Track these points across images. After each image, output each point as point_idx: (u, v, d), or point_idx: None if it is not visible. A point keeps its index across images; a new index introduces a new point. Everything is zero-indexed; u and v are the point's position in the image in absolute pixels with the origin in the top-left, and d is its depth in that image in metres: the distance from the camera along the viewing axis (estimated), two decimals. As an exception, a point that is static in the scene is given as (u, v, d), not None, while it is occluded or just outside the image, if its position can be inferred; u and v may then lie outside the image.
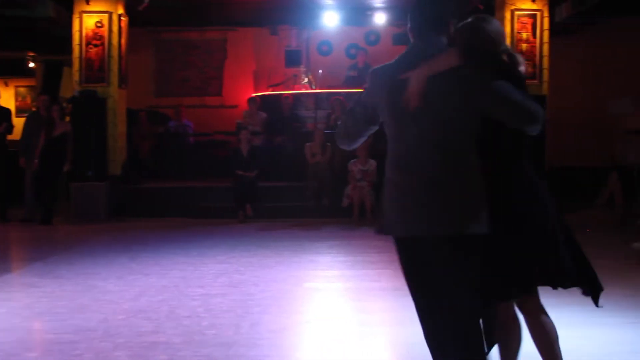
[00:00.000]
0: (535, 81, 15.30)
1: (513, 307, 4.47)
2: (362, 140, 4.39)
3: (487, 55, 4.18)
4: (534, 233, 4.26)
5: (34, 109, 16.46)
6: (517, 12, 15.34)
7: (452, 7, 4.09)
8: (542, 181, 4.50)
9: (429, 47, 4.02)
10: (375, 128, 4.31)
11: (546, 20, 15.41)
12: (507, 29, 15.30)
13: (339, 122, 4.28)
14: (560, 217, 4.49)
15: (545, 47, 15.36)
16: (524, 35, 15.36)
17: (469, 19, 4.37)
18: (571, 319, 7.00)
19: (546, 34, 15.38)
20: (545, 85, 15.38)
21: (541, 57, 15.33)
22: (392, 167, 4.12)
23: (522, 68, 4.40)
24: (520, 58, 4.42)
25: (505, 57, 4.38)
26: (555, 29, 16.10)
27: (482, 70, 3.93)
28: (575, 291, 8.00)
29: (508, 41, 14.96)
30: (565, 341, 6.27)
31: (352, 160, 14.74)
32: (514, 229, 4.17)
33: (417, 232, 3.95)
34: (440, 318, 4.13)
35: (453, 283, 3.97)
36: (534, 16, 15.38)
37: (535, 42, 15.37)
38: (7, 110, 15.79)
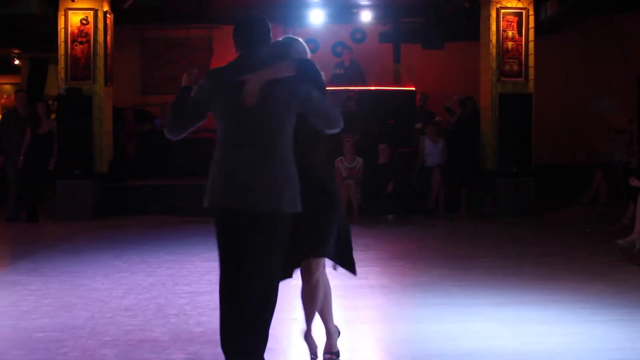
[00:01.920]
0: (520, 79, 15.34)
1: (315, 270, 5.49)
2: (189, 130, 5.00)
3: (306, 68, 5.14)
4: (334, 210, 5.41)
5: (12, 106, 16.38)
6: (502, 10, 15.35)
7: (269, 28, 5.03)
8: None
9: (253, 57, 4.90)
10: (203, 120, 4.99)
11: (531, 19, 15.43)
12: (493, 27, 15.33)
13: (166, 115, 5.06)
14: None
15: (531, 46, 15.39)
16: (510, 33, 15.38)
17: (281, 39, 5.44)
18: (557, 316, 7.05)
19: (531, 32, 15.40)
20: (530, 84, 15.40)
21: (527, 55, 15.36)
22: (220, 150, 4.89)
23: (323, 76, 5.44)
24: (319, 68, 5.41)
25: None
26: (540, 27, 16.14)
27: (303, 81, 4.90)
28: (561, 289, 8.06)
29: (494, 39, 15.07)
30: (551, 338, 6.33)
31: (339, 158, 14.75)
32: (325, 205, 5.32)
33: (235, 206, 4.78)
34: (241, 283, 4.87)
35: (258, 253, 4.84)
36: (519, 14, 15.39)
37: (520, 40, 15.38)
38: (-8, 108, 15.74)
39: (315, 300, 5.63)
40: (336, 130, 5.16)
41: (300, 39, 5.53)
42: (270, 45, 5.13)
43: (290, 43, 5.43)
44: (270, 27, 5.07)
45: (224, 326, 4.90)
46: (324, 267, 5.66)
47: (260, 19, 5.05)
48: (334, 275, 9.34)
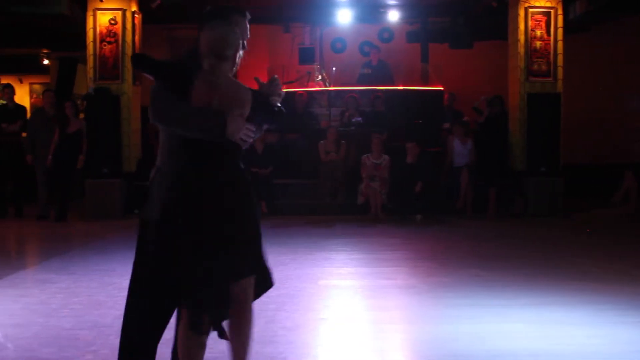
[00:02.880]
0: (549, 79, 15.28)
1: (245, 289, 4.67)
2: None
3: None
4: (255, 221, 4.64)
5: (40, 106, 16.50)
6: (531, 10, 15.30)
7: None
8: None
9: None
10: None
11: (560, 18, 15.36)
12: (521, 27, 15.29)
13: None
14: None
15: (560, 45, 15.32)
16: (538, 32, 15.32)
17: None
18: (584, 317, 7.01)
19: (560, 32, 15.33)
20: (559, 83, 15.33)
21: (555, 54, 15.29)
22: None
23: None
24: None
25: None
26: (568, 26, 16.04)
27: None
28: (588, 290, 8.01)
29: (522, 38, 15.02)
30: (578, 339, 6.29)
31: (366, 154, 14.76)
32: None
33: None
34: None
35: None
36: (548, 13, 15.33)
37: (549, 40, 15.32)
38: (23, 108, 15.85)
39: (251, 332, 4.80)
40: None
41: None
42: None
43: None
44: None
45: None
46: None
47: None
48: (360, 275, 9.38)
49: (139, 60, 4.61)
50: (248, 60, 4.99)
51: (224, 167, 4.55)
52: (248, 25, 4.96)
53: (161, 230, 4.48)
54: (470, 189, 15.05)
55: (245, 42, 4.77)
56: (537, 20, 15.34)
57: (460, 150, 15.37)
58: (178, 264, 4.39)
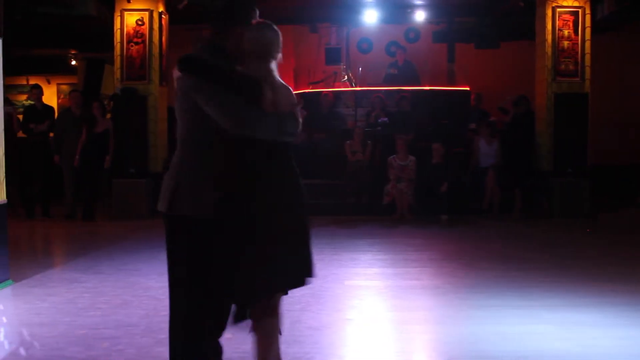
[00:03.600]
0: (576, 79, 15.19)
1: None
2: None
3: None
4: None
5: (67, 106, 16.59)
6: (558, 9, 15.22)
7: None
8: None
9: None
10: None
11: (588, 17, 15.27)
12: (549, 26, 15.21)
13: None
14: None
15: (587, 45, 15.23)
16: (566, 32, 15.24)
17: None
18: (613, 319, 6.97)
19: (588, 31, 15.24)
20: (586, 83, 15.24)
21: (583, 54, 15.20)
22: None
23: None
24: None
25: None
26: (596, 26, 15.95)
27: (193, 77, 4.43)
28: (616, 291, 7.96)
29: (549, 38, 14.95)
30: (607, 341, 6.26)
31: (392, 156, 14.75)
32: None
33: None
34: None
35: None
36: (575, 13, 15.25)
37: (576, 40, 15.23)
38: (51, 108, 15.94)
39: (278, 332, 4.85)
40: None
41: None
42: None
43: None
44: None
45: None
46: None
47: None
48: (386, 276, 9.37)
49: (188, 62, 4.51)
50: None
51: (283, 165, 4.61)
52: None
53: (219, 228, 4.46)
54: (496, 189, 14.98)
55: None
56: (564, 20, 15.25)
57: (486, 150, 15.29)
58: (239, 261, 4.46)
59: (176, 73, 4.47)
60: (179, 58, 4.50)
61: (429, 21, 19.28)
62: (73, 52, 21.56)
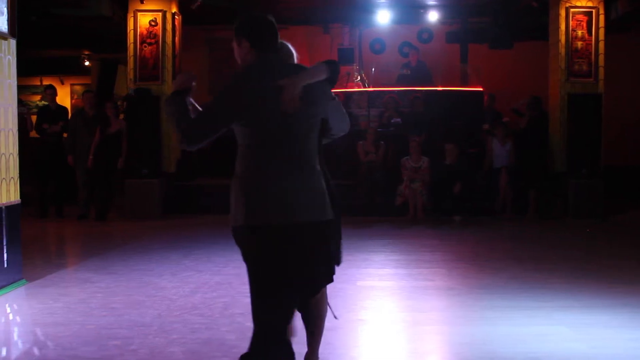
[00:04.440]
0: (590, 79, 15.14)
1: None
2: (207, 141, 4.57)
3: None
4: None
5: (81, 106, 16.65)
6: (572, 10, 15.17)
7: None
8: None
9: (276, 61, 4.53)
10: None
11: (602, 18, 15.21)
12: (562, 27, 15.16)
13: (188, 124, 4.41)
14: None
15: (601, 45, 15.17)
16: (579, 32, 15.19)
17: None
18: (626, 320, 6.95)
19: (602, 32, 15.18)
20: (600, 84, 15.18)
21: (597, 55, 15.14)
22: (259, 160, 4.42)
23: None
24: None
25: None
26: (610, 27, 15.89)
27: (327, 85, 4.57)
28: (630, 292, 7.93)
29: (563, 39, 14.92)
30: (620, 343, 6.24)
31: (405, 157, 14.73)
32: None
33: (299, 219, 4.35)
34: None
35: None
36: (589, 13, 15.20)
37: (590, 40, 15.18)
38: (64, 109, 15.99)
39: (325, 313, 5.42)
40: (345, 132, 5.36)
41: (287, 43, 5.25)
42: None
43: (280, 46, 5.01)
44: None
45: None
46: None
47: (273, 20, 4.66)
48: (399, 276, 9.36)
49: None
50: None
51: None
52: None
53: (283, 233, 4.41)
54: (510, 190, 14.93)
55: None
56: (578, 20, 15.21)
57: (499, 151, 15.25)
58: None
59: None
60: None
61: (442, 21, 19.27)
62: (86, 52, 21.63)
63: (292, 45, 5.22)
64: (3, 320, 7.50)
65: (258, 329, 4.34)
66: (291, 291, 4.44)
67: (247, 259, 4.43)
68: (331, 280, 5.30)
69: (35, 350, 6.23)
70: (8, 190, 8.67)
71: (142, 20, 15.39)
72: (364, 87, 18.32)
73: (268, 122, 4.32)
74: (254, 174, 4.42)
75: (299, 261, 4.39)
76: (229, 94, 4.37)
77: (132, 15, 15.41)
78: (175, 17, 15.68)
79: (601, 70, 15.18)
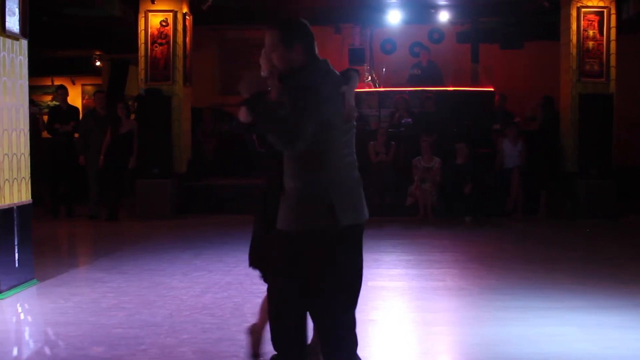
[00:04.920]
0: (601, 79, 15.09)
1: None
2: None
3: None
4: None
5: (92, 107, 16.69)
6: (583, 10, 15.12)
7: None
8: None
9: (326, 65, 4.53)
10: None
11: (613, 18, 15.16)
12: (573, 27, 15.12)
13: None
14: None
15: (613, 45, 15.12)
16: (591, 32, 15.15)
17: None
18: (638, 321, 6.93)
19: (613, 32, 15.13)
20: (612, 84, 15.13)
21: (608, 55, 15.10)
22: (320, 166, 4.39)
23: None
24: None
25: None
26: (622, 27, 15.84)
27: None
28: (633, 294, 7.90)
29: (574, 39, 14.88)
30: (631, 343, 6.23)
31: (417, 157, 14.72)
32: None
33: (350, 222, 4.51)
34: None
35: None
36: (600, 13, 15.15)
37: (602, 40, 15.13)
38: (75, 109, 16.02)
39: None
40: None
41: None
42: None
43: None
44: None
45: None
46: None
47: None
48: (409, 277, 9.36)
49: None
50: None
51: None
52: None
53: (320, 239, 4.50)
54: (521, 190, 14.90)
55: None
56: (589, 20, 15.16)
57: (510, 151, 15.21)
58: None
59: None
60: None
61: (453, 22, 19.24)
62: (98, 53, 21.68)
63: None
64: (15, 319, 7.53)
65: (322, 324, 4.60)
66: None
67: (292, 263, 4.48)
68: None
69: (47, 350, 6.24)
70: (19, 190, 8.70)
71: (153, 21, 15.42)
72: (375, 87, 18.30)
73: (331, 127, 4.37)
74: (313, 181, 4.41)
75: (348, 262, 4.69)
76: (312, 92, 4.30)
77: (143, 15, 15.43)
78: (186, 17, 15.70)
79: (612, 71, 15.13)
